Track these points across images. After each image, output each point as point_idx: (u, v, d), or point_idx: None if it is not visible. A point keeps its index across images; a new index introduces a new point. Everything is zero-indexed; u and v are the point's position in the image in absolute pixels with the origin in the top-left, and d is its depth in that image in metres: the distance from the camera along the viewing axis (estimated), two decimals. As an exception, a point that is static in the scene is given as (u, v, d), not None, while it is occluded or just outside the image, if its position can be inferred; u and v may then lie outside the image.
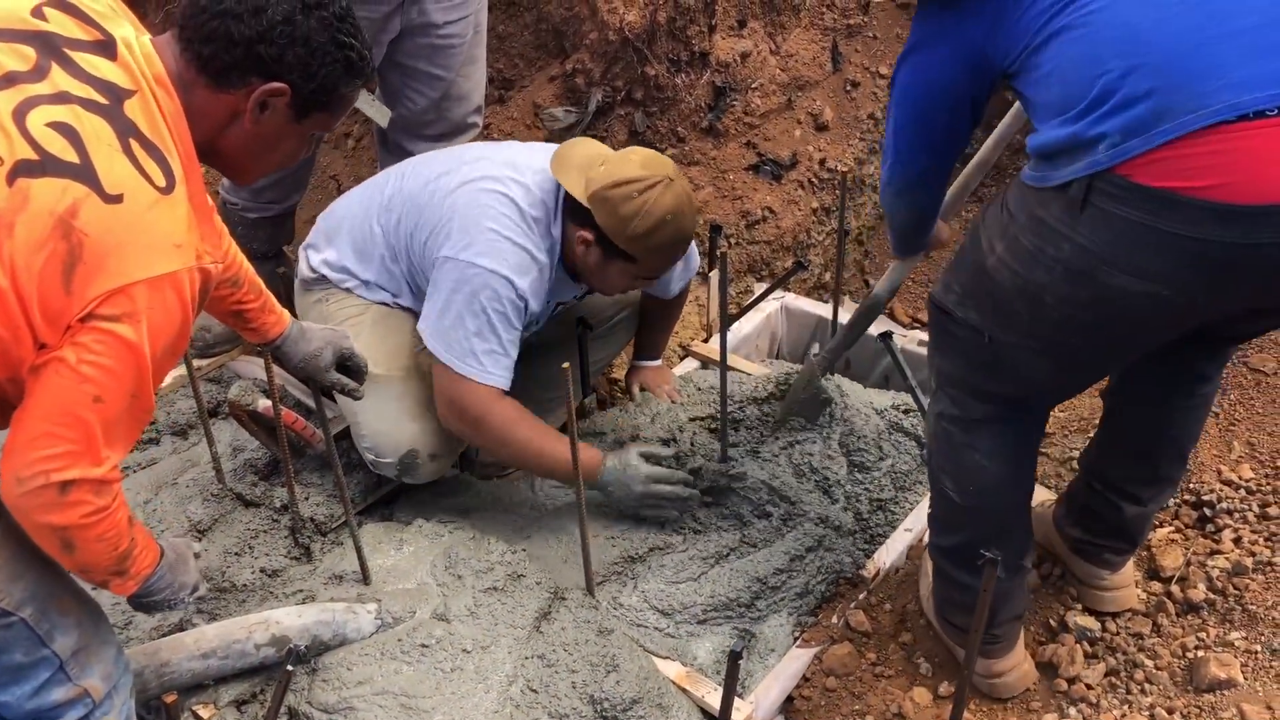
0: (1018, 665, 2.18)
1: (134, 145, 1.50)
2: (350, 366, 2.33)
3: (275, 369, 2.33)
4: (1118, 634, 2.25)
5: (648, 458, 2.57)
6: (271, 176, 3.00)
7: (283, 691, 2.01)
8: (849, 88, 3.96)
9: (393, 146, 3.25)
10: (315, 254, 2.79)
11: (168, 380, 3.03)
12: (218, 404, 2.97)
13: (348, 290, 2.73)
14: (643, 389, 3.02)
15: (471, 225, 2.43)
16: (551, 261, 2.50)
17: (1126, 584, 2.25)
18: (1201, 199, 1.46)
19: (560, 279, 2.58)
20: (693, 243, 2.66)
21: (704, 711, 2.22)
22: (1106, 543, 2.22)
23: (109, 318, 1.46)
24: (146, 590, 1.86)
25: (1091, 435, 2.29)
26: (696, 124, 3.66)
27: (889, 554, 2.57)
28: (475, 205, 2.45)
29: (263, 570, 2.46)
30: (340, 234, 2.75)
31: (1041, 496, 2.49)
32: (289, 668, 1.97)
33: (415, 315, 2.63)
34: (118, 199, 1.46)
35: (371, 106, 2.80)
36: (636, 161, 2.39)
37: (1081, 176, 1.55)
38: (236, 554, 2.50)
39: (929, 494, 2.23)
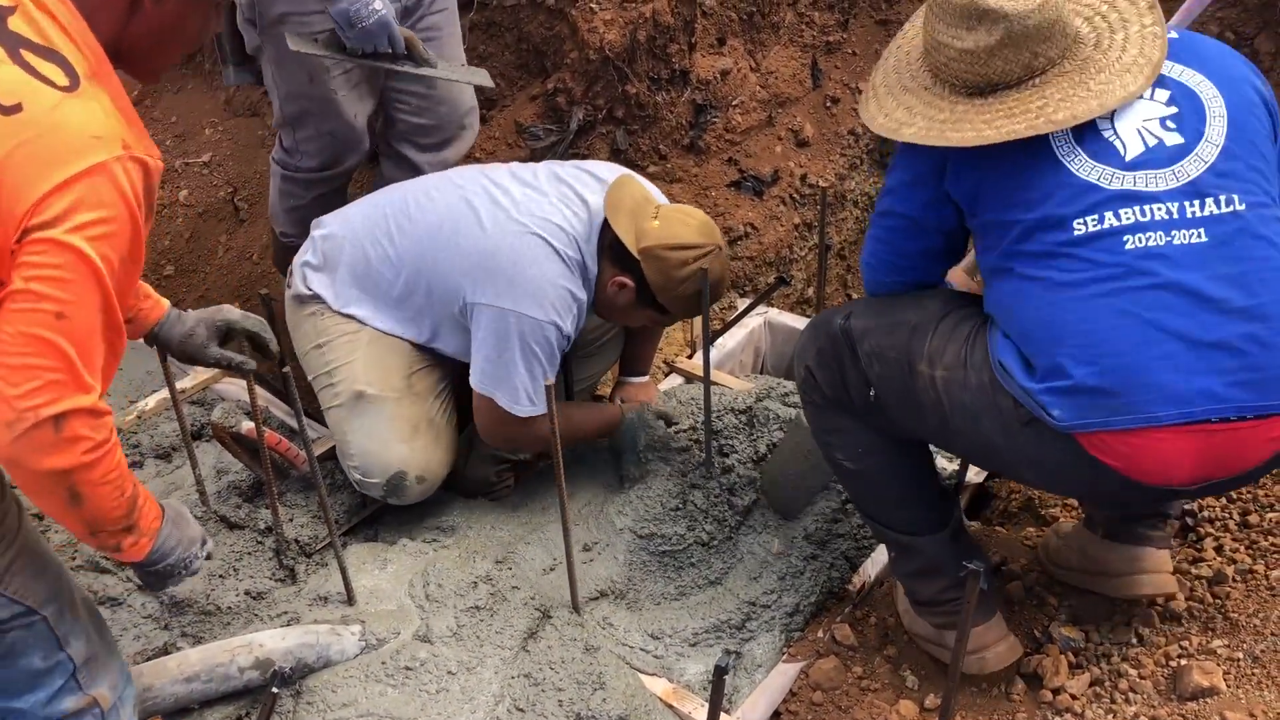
0: (998, 642, 2.19)
1: (25, 54, 1.43)
2: (257, 342, 2.24)
3: (258, 390, 2.33)
4: (1101, 644, 2.26)
5: (659, 415, 2.81)
6: (313, 127, 3.00)
7: (268, 714, 2.00)
8: (829, 104, 3.99)
9: (395, 156, 3.25)
10: (313, 274, 2.75)
11: (151, 402, 3.03)
12: (201, 426, 2.96)
13: (347, 314, 2.71)
14: (625, 403, 3.03)
15: (515, 272, 2.48)
16: (589, 296, 2.58)
17: (1166, 566, 2.26)
18: (1115, 470, 1.82)
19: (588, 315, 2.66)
20: None
21: (691, 728, 2.22)
22: (1143, 512, 2.24)
23: (43, 225, 1.38)
24: (159, 550, 1.79)
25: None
26: (678, 141, 3.68)
27: (873, 566, 2.57)
28: (505, 250, 2.49)
29: (247, 593, 2.45)
30: (340, 260, 2.72)
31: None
32: (274, 690, 1.97)
33: (412, 341, 2.67)
34: (16, 108, 1.39)
35: (465, 73, 2.85)
36: (694, 227, 2.50)
37: (1034, 417, 1.83)
38: (221, 576, 2.49)
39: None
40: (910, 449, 2.17)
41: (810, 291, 3.94)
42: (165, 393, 3.06)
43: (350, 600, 2.38)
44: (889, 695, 2.28)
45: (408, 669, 2.22)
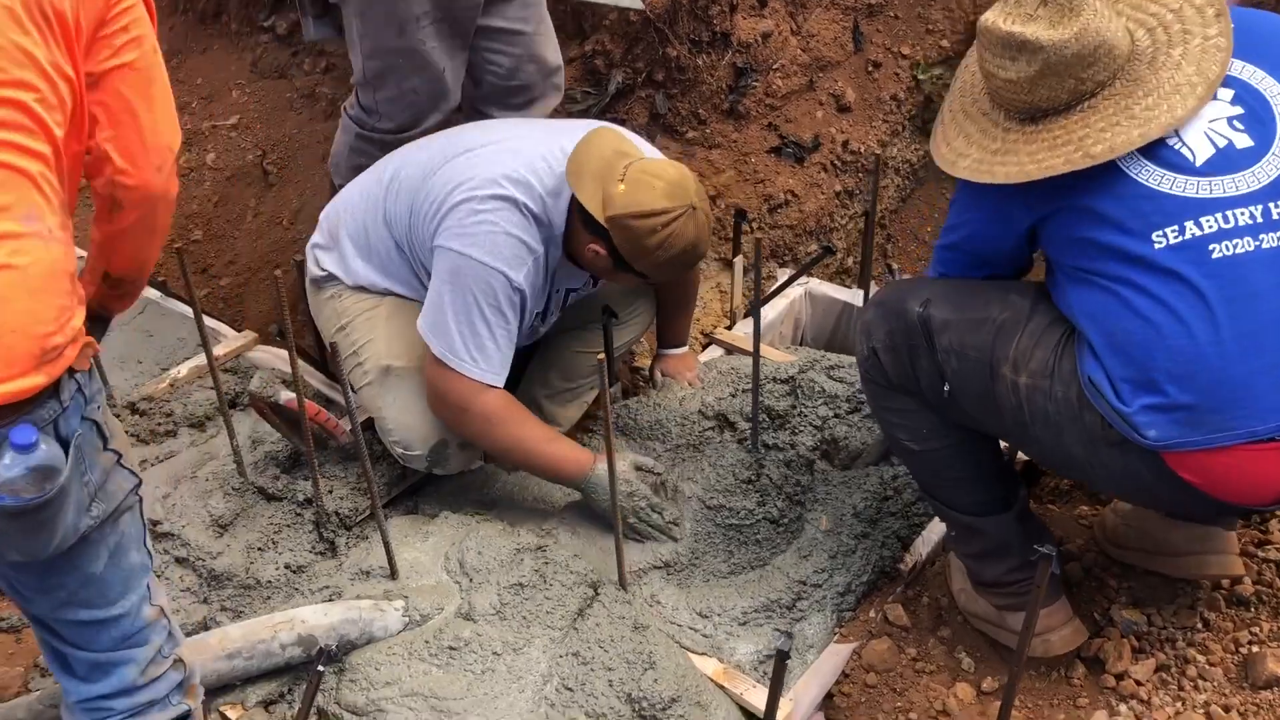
0: (1063, 625, 2.14)
1: None
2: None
3: (299, 361, 2.27)
4: (1164, 628, 2.20)
5: (639, 468, 2.54)
6: (396, 85, 2.87)
7: (313, 693, 1.96)
8: (871, 68, 3.88)
9: (480, 117, 3.10)
10: (323, 253, 2.73)
11: (184, 370, 2.98)
12: (236, 395, 2.91)
13: (360, 288, 2.67)
14: (665, 375, 2.97)
15: (463, 215, 2.38)
16: (546, 254, 2.44)
17: (1234, 547, 2.19)
18: (1199, 488, 1.78)
19: (567, 267, 2.53)
20: None
21: (743, 709, 2.17)
22: None
23: None
24: None
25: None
26: (717, 106, 3.59)
27: (925, 545, 2.51)
28: (469, 197, 2.38)
29: (287, 566, 2.41)
30: (341, 232, 2.69)
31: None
32: (320, 669, 1.93)
33: None
34: None
35: None
36: (661, 190, 2.28)
37: (1124, 437, 1.79)
38: (260, 549, 2.44)
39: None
40: (976, 433, 2.10)
41: (851, 261, 3.86)
42: (198, 360, 3.01)
43: (393, 574, 2.33)
44: (944, 678, 2.22)
45: (451, 649, 2.17)
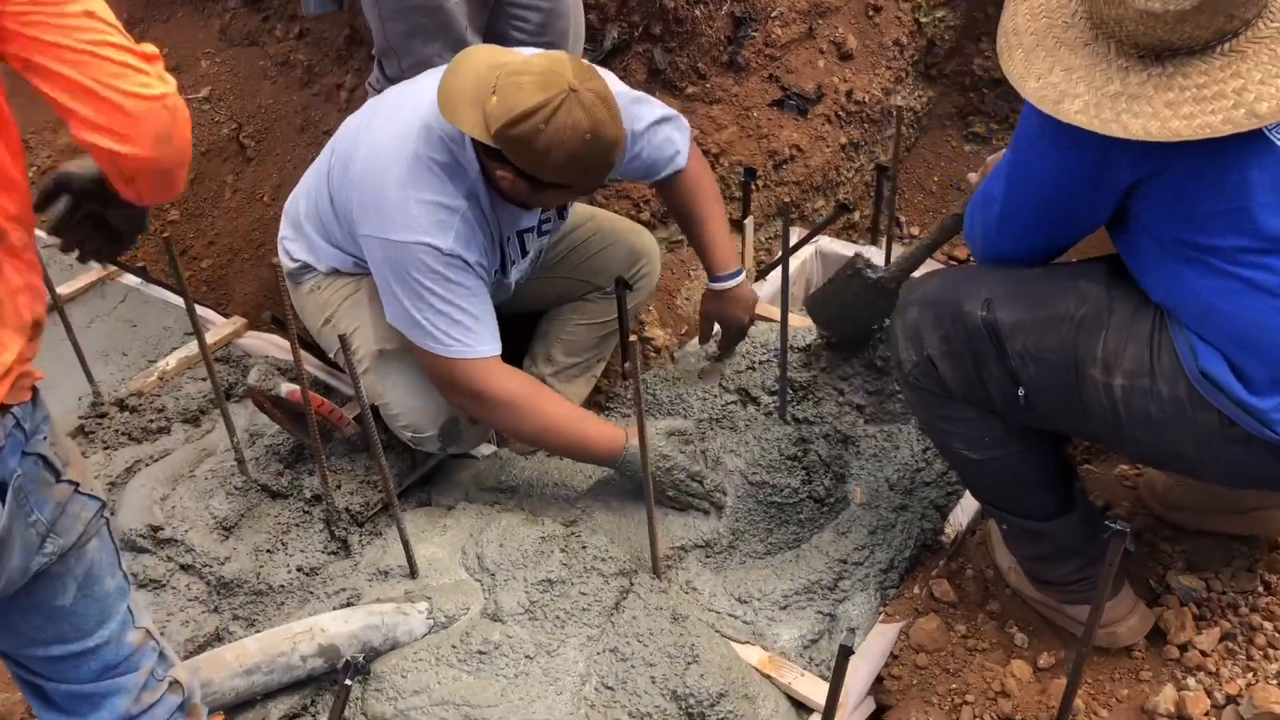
0: (1129, 614, 2.02)
1: None
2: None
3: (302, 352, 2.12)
4: (1224, 593, 2.11)
5: (673, 433, 2.37)
6: (420, 50, 2.64)
7: (341, 708, 1.85)
8: (871, 12, 3.72)
9: None
10: (292, 244, 2.57)
11: (172, 362, 2.82)
12: (230, 386, 2.76)
13: (335, 271, 2.50)
14: (716, 320, 2.72)
15: (373, 194, 2.20)
16: (476, 203, 2.23)
17: None
18: None
19: (506, 209, 2.32)
20: (672, 110, 2.53)
21: (791, 699, 2.07)
22: None
23: None
24: None
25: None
26: (717, 58, 3.42)
27: (964, 514, 2.40)
28: (373, 170, 2.21)
29: (299, 569, 2.28)
30: (301, 217, 2.53)
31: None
32: (347, 682, 1.81)
33: None
34: None
35: None
36: (529, 82, 2.02)
37: (1249, 434, 1.64)
38: (269, 551, 2.31)
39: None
40: (1043, 434, 1.93)
41: (858, 216, 3.72)
42: (187, 350, 2.86)
43: (413, 573, 2.21)
44: (999, 655, 2.12)
45: (481, 653, 2.05)
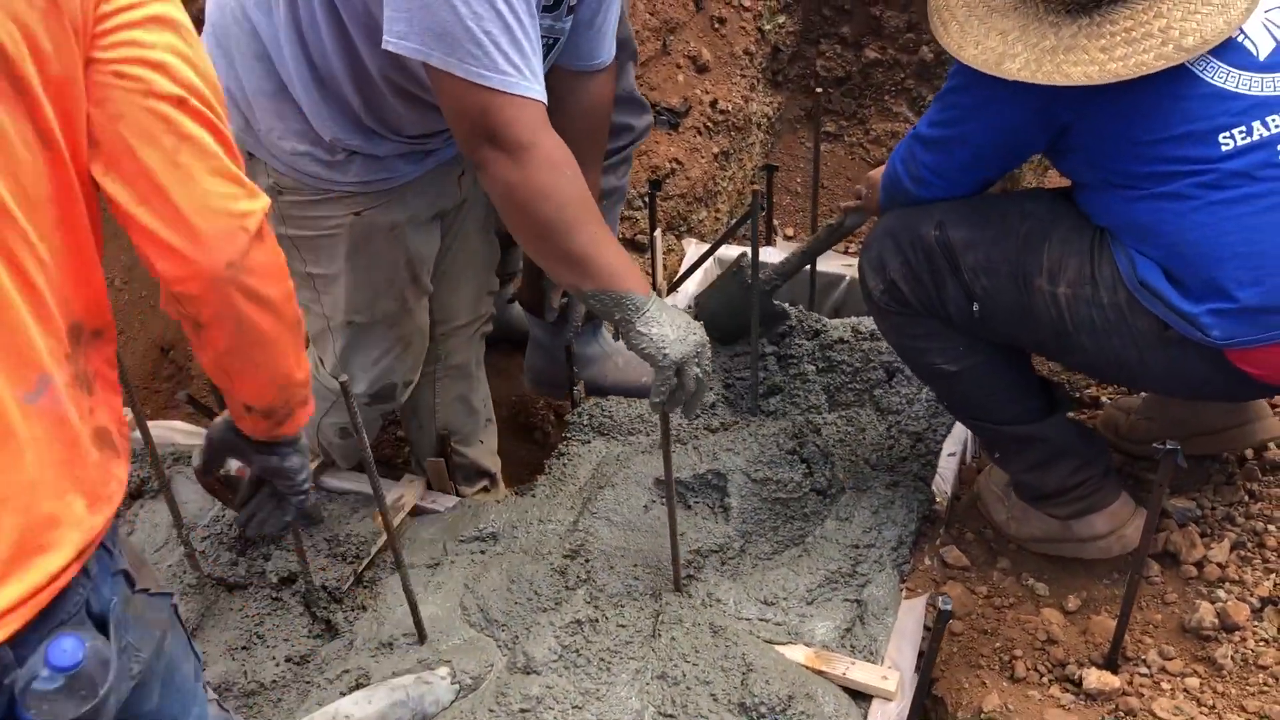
0: (1133, 517, 2.11)
1: None
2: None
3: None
4: (1215, 508, 2.20)
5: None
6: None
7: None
8: (716, 24, 3.78)
9: None
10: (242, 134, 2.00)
11: (65, 467, 2.48)
12: (141, 481, 2.46)
13: (295, 178, 2.04)
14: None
15: None
16: None
17: (1267, 411, 2.20)
18: (1259, 379, 1.79)
19: None
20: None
21: (847, 690, 2.00)
22: None
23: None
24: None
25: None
26: (585, 81, 3.38)
27: (945, 482, 2.42)
28: None
29: (288, 660, 2.04)
30: (236, 86, 1.97)
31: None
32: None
33: (399, 219, 2.10)
34: None
35: None
36: None
37: (1183, 336, 1.75)
38: (245, 648, 2.07)
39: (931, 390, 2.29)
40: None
41: (733, 220, 3.74)
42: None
43: (421, 638, 2.02)
44: (1028, 608, 2.13)
45: (524, 711, 1.88)
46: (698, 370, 1.84)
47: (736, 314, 2.60)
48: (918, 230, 1.98)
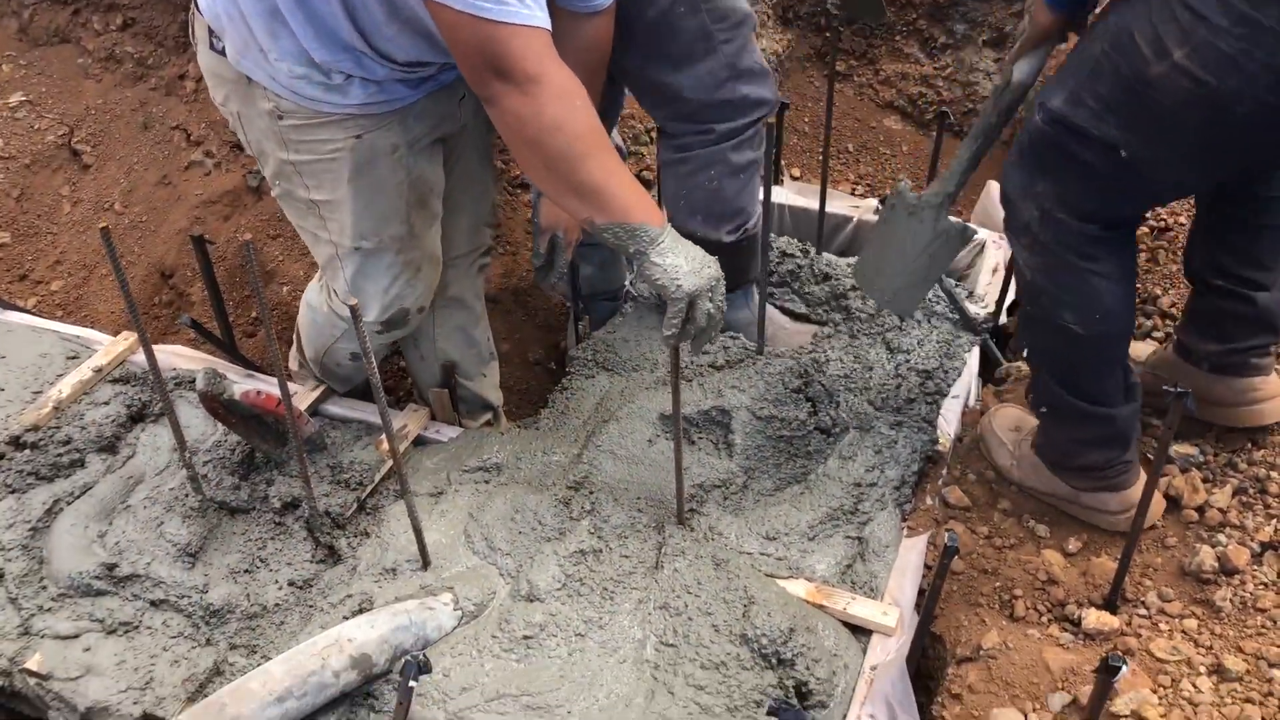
0: (1132, 507, 2.05)
1: None
2: None
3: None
4: (1218, 454, 2.20)
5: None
6: None
7: (405, 712, 1.66)
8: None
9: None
10: (231, 53, 1.99)
11: (65, 389, 2.48)
12: (141, 406, 2.45)
13: (296, 116, 2.02)
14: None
15: None
16: None
17: (1278, 392, 2.19)
18: None
19: None
20: None
21: (846, 625, 2.01)
22: (1250, 343, 2.13)
23: None
24: None
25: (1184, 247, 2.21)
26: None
27: (949, 424, 2.42)
28: None
29: (290, 584, 2.05)
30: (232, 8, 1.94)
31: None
32: (411, 684, 1.62)
33: (400, 141, 2.08)
34: None
35: None
36: None
37: None
38: (248, 571, 2.08)
39: (1028, 340, 2.07)
40: (1131, 315, 1.96)
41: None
42: (79, 375, 2.52)
43: (425, 564, 2.02)
44: (1028, 549, 2.14)
45: (527, 638, 1.89)
46: (710, 306, 1.82)
47: (910, 253, 2.24)
48: (1030, 130, 1.85)
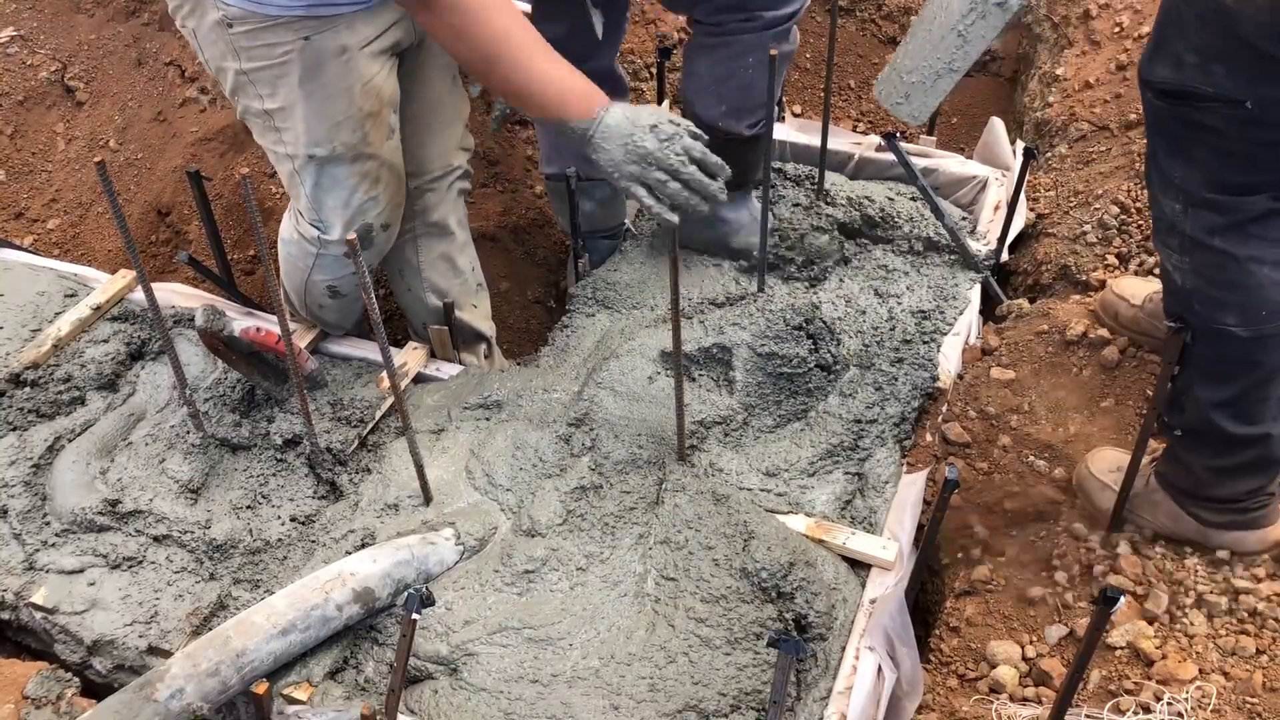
0: (1273, 547, 1.92)
1: None
2: None
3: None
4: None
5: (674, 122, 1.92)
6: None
7: (408, 644, 1.67)
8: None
9: None
10: None
11: (65, 327, 2.47)
12: (141, 343, 2.44)
13: (244, 22, 1.99)
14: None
15: None
16: None
17: None
18: None
19: None
20: None
21: (846, 559, 2.03)
22: None
23: None
24: None
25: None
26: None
27: (949, 362, 2.42)
28: None
29: (293, 519, 2.06)
30: None
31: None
32: (414, 616, 1.64)
33: (348, 43, 2.04)
34: None
35: None
36: None
37: None
38: (250, 508, 2.09)
39: (1191, 348, 1.78)
40: None
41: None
42: (77, 313, 2.51)
43: (427, 500, 2.03)
44: (1029, 480, 2.15)
45: (528, 572, 1.91)
46: (671, 162, 1.86)
47: (938, 26, 2.02)
48: (1148, 127, 1.72)
